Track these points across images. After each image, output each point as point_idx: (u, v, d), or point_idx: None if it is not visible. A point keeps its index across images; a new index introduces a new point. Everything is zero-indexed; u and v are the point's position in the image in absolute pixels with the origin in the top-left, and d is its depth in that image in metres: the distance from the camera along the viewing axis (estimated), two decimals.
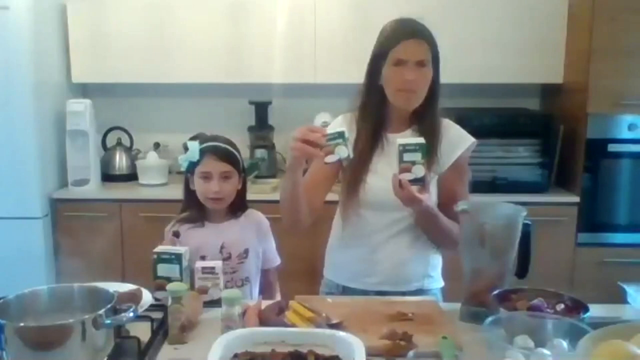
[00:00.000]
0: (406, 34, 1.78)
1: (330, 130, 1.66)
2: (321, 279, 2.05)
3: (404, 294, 1.88)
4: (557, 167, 3.31)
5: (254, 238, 2.05)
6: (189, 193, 2.05)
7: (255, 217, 2.10)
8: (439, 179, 1.87)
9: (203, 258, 1.91)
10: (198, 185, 2.00)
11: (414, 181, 1.66)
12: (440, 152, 1.84)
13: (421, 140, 1.66)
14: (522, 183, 3.18)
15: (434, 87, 1.83)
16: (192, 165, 1.99)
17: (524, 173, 3.22)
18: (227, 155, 2.02)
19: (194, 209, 2.04)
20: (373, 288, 1.90)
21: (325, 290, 2.01)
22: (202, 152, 1.98)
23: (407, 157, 1.65)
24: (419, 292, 1.91)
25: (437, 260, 1.98)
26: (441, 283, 2.00)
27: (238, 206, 2.07)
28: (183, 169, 2.03)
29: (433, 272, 1.96)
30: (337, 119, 1.99)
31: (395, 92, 1.80)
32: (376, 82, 1.83)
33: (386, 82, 1.81)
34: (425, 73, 1.77)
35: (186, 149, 1.99)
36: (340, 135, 1.63)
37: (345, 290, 1.95)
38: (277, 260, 2.14)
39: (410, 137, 1.73)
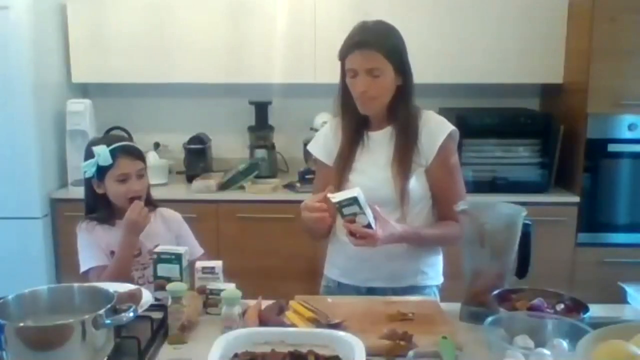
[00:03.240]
0: (352, 45, 1.80)
1: (341, 197, 1.66)
2: (321, 277, 2.06)
3: (395, 290, 1.89)
4: (557, 167, 3.30)
5: (166, 234, 2.03)
6: (95, 197, 2.00)
7: (165, 214, 2.10)
8: (428, 176, 1.88)
9: (112, 253, 1.92)
10: (114, 188, 1.95)
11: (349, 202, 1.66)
12: (421, 144, 1.86)
13: (353, 193, 1.66)
14: (522, 183, 3.18)
15: (404, 85, 1.85)
16: (101, 170, 1.94)
17: (524, 173, 3.22)
18: (139, 154, 2.01)
19: (102, 211, 2.00)
20: (364, 284, 1.92)
21: (324, 283, 2.03)
22: (114, 154, 1.93)
23: (347, 211, 1.66)
24: (412, 288, 1.91)
25: (433, 258, 1.97)
26: (439, 280, 1.99)
27: (147, 201, 2.02)
28: (88, 175, 1.96)
29: (427, 268, 1.95)
30: (324, 128, 2.04)
31: (356, 100, 1.85)
32: (347, 85, 1.87)
33: (350, 89, 1.86)
34: (379, 80, 1.79)
35: (90, 155, 1.94)
36: (354, 201, 1.65)
37: (340, 286, 1.96)
38: (199, 250, 2.07)
39: (343, 192, 1.72)
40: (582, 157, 3.14)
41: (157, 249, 1.79)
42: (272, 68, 3.34)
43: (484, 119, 3.23)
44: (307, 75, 3.34)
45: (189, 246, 2.01)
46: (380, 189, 1.83)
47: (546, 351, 1.30)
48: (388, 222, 1.73)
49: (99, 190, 1.98)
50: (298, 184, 3.25)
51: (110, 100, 3.66)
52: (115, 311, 1.28)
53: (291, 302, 1.68)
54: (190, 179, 3.39)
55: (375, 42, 1.78)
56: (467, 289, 1.69)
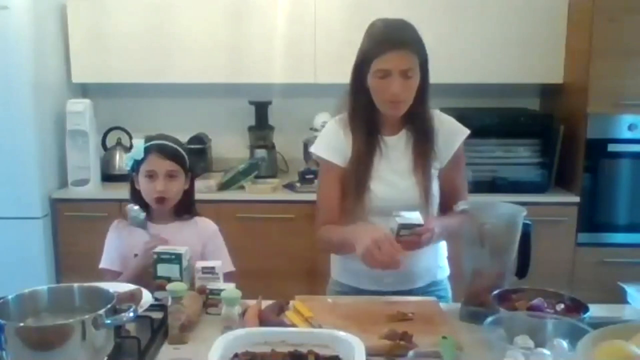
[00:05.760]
0: (393, 44, 1.71)
1: (406, 220, 1.64)
2: (327, 278, 2.02)
3: (416, 290, 1.90)
4: (557, 167, 3.30)
5: (197, 245, 1.96)
6: (134, 193, 2.01)
7: (200, 224, 2.04)
8: (440, 174, 1.88)
9: (136, 256, 1.90)
10: (143, 184, 1.96)
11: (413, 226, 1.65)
12: (438, 148, 1.85)
13: (418, 221, 1.65)
14: (522, 183, 3.18)
15: (423, 87, 1.80)
16: (137, 164, 1.97)
17: (524, 173, 3.21)
18: (173, 154, 1.98)
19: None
20: (389, 288, 1.87)
21: (337, 289, 1.97)
22: (147, 150, 1.96)
23: (404, 232, 1.64)
24: (434, 284, 1.94)
25: (444, 249, 2.00)
26: (448, 271, 2.01)
27: (184, 208, 2.02)
28: (128, 167, 2.01)
29: (442, 261, 1.99)
30: (326, 129, 1.93)
31: (382, 102, 1.78)
32: (363, 86, 1.79)
33: (373, 91, 1.77)
34: (411, 82, 1.74)
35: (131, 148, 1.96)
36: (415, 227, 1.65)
37: (360, 292, 1.90)
38: (229, 267, 1.97)
39: (406, 214, 1.66)
40: (582, 157, 3.14)
41: (156, 249, 1.79)
42: (272, 68, 3.34)
43: (484, 119, 3.22)
44: (307, 75, 3.33)
45: (218, 259, 1.91)
46: (404, 195, 1.81)
47: (546, 351, 1.30)
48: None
49: (137, 186, 1.99)
50: (298, 184, 3.24)
51: (110, 100, 3.65)
52: (115, 311, 1.28)
53: (293, 302, 1.68)
54: None
55: (412, 42, 1.73)
56: (467, 288, 1.69)
